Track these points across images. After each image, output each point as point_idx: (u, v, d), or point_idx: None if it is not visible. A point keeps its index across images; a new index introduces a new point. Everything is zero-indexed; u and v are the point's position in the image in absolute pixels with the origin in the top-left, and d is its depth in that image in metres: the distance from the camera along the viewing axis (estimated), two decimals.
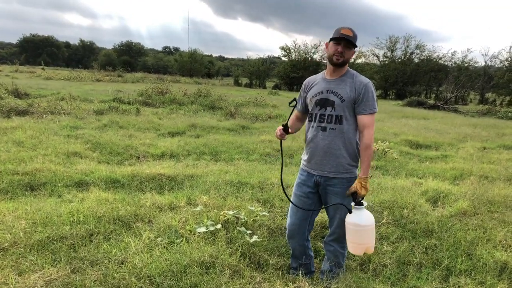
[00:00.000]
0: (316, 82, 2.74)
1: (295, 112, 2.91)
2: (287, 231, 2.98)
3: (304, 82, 2.88)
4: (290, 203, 2.92)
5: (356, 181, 2.57)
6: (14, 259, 2.84)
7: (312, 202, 2.82)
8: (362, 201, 2.53)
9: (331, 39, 2.57)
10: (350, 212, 2.54)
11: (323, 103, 2.65)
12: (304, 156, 2.83)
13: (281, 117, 12.71)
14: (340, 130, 2.62)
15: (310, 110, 2.75)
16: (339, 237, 2.81)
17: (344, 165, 2.65)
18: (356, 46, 2.57)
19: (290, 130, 2.75)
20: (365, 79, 2.62)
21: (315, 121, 2.70)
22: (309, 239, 3.04)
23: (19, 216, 3.53)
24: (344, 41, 2.53)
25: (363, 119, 2.59)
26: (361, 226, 2.50)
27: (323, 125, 2.66)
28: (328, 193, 2.72)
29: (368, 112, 2.57)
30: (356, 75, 2.64)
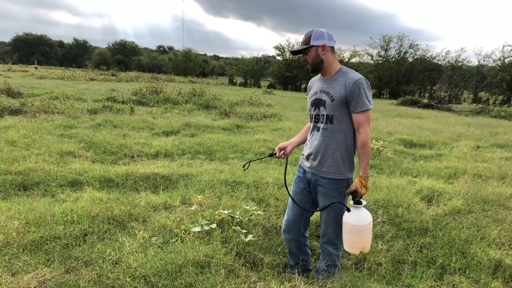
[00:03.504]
0: (315, 83, 2.77)
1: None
2: (283, 226, 3.01)
3: (308, 83, 2.93)
4: (289, 199, 2.95)
5: (356, 180, 2.54)
6: (7, 259, 2.82)
7: (307, 200, 2.84)
8: (361, 200, 2.54)
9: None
10: (348, 210, 2.51)
11: (317, 103, 2.67)
12: (303, 154, 2.87)
13: (276, 116, 12.70)
14: (331, 130, 2.60)
15: (308, 111, 2.80)
16: (331, 239, 2.78)
17: (335, 166, 2.62)
18: (308, 45, 2.54)
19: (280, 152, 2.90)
20: (357, 76, 2.53)
21: (311, 122, 2.76)
22: (306, 235, 3.05)
23: (12, 216, 3.50)
24: (296, 53, 2.71)
25: (356, 117, 2.53)
26: (358, 226, 2.49)
27: (317, 125, 2.69)
28: (318, 192, 2.73)
29: (361, 110, 2.50)
30: (348, 73, 2.57)
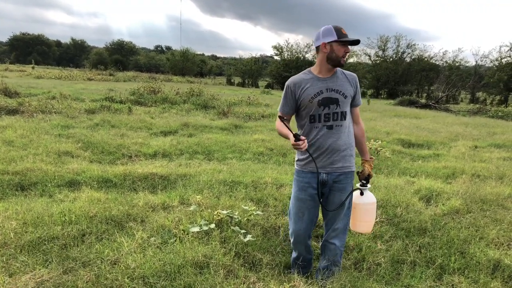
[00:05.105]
0: (310, 83, 2.66)
1: (287, 117, 2.82)
2: (293, 238, 2.90)
3: (290, 84, 2.71)
4: (293, 212, 2.85)
5: (367, 165, 2.81)
6: (4, 260, 2.80)
7: (316, 204, 2.79)
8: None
9: (338, 41, 2.53)
10: (362, 194, 2.77)
11: (326, 102, 2.62)
12: (304, 159, 2.74)
13: (274, 116, 12.69)
14: (344, 125, 2.68)
15: (311, 111, 2.65)
16: (339, 233, 2.82)
17: (349, 159, 2.74)
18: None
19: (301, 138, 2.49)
20: (352, 73, 2.78)
21: (319, 121, 2.66)
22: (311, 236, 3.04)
23: (9, 217, 3.48)
24: (352, 44, 2.62)
25: (357, 110, 2.82)
26: (372, 204, 2.82)
27: (329, 123, 2.64)
28: (334, 190, 2.73)
29: (360, 103, 2.83)
30: (343, 70, 2.75)
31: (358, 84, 2.77)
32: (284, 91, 2.75)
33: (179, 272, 2.68)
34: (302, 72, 2.77)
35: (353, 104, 2.75)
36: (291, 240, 2.96)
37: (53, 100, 12.17)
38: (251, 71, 54.14)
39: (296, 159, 2.84)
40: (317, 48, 2.64)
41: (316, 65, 2.70)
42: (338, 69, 2.71)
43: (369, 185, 2.80)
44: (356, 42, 2.60)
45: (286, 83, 2.76)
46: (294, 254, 3.03)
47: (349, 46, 2.62)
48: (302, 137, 2.43)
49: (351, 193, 2.79)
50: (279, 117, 2.71)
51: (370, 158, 2.87)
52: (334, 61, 2.59)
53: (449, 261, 3.27)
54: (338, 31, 2.54)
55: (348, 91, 2.67)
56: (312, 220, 2.84)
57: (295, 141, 2.41)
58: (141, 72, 51.63)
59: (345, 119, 2.67)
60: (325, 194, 2.77)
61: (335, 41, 2.54)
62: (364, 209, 2.80)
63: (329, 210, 2.78)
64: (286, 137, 2.63)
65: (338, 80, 2.66)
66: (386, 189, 4.95)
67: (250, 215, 3.75)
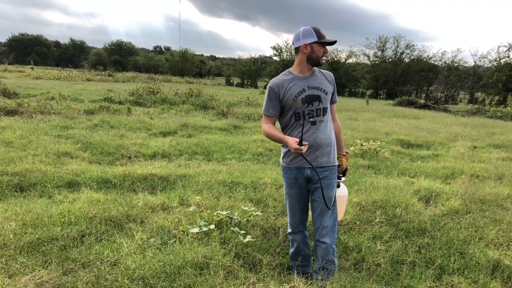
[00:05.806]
0: (292, 82, 2.70)
1: (272, 119, 2.82)
2: (291, 228, 2.99)
3: (273, 86, 2.72)
4: (287, 206, 2.95)
5: (345, 159, 2.93)
6: (4, 261, 2.80)
7: (306, 196, 2.87)
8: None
9: (318, 42, 2.63)
10: (338, 186, 2.92)
11: (309, 99, 2.69)
12: (289, 155, 2.78)
13: None
14: (326, 121, 2.76)
15: (295, 109, 2.70)
16: (330, 231, 2.81)
17: (333, 153, 2.80)
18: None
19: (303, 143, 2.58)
20: (328, 71, 2.89)
21: (303, 118, 2.71)
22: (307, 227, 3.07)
23: (8, 218, 3.48)
24: (330, 44, 2.74)
25: (334, 107, 2.92)
26: (346, 194, 3.06)
27: (312, 119, 2.70)
28: (319, 187, 2.73)
29: (337, 100, 2.94)
30: (320, 69, 2.83)
31: (335, 82, 2.88)
32: (267, 94, 2.78)
33: (179, 273, 2.68)
34: (282, 73, 2.81)
35: (331, 101, 2.84)
36: (289, 231, 3.02)
37: (52, 101, 12.16)
38: (250, 72, 54.16)
39: (281, 156, 2.89)
40: (297, 49, 2.71)
41: (296, 65, 2.76)
42: (316, 68, 2.79)
43: (343, 178, 2.95)
44: (333, 43, 2.71)
45: (268, 85, 2.79)
46: (292, 249, 3.07)
47: (328, 47, 2.74)
48: (305, 143, 2.53)
49: (335, 191, 2.84)
50: (264, 120, 2.82)
51: (346, 152, 2.99)
52: (314, 61, 2.69)
53: (448, 262, 3.27)
54: (318, 32, 2.63)
55: (328, 88, 2.77)
56: (303, 211, 2.94)
57: (299, 144, 2.48)
58: (140, 72, 51.57)
59: (326, 114, 2.76)
60: (311, 190, 2.81)
61: (315, 42, 2.62)
62: (341, 201, 2.96)
63: (316, 209, 2.81)
64: (278, 141, 2.73)
65: (318, 78, 2.76)
66: (386, 189, 4.96)
67: (249, 216, 3.75)
